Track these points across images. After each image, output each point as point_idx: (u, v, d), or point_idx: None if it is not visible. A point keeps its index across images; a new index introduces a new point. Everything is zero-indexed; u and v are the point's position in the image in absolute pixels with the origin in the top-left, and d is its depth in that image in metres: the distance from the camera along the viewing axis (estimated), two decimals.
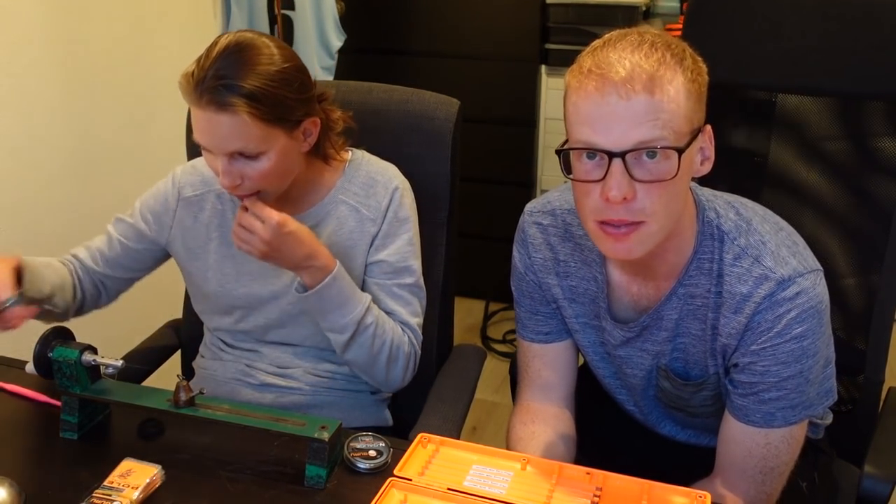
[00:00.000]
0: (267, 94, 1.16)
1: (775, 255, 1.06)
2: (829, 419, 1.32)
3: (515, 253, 1.28)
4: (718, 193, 1.15)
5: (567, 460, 1.22)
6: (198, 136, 1.20)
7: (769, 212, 1.15)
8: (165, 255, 1.44)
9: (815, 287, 1.05)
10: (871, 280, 1.41)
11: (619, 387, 1.28)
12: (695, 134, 1.00)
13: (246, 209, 1.22)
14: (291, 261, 1.24)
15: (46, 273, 1.31)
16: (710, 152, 1.05)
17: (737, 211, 1.11)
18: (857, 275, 1.44)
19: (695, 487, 1.13)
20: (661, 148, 0.95)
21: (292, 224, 1.22)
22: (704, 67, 1.01)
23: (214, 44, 1.19)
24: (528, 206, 1.27)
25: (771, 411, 1.08)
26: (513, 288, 1.30)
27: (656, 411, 1.28)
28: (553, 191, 1.27)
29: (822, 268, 1.09)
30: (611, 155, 0.96)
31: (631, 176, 0.96)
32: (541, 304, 1.27)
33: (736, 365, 1.10)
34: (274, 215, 1.20)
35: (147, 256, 1.42)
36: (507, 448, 1.25)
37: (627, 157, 0.95)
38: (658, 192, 0.97)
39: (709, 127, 1.03)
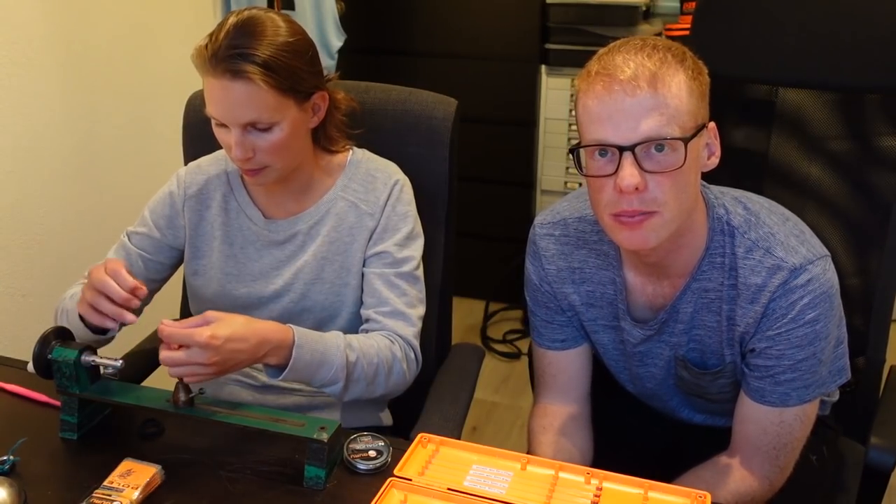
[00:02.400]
0: (280, 62, 1.18)
1: (785, 246, 1.11)
2: (836, 396, 1.37)
3: (529, 265, 1.30)
4: (725, 190, 1.19)
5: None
6: (212, 108, 1.21)
7: (774, 203, 1.19)
8: (182, 257, 1.43)
9: (826, 273, 1.10)
10: (871, 264, 1.46)
11: (638, 380, 1.31)
12: (699, 129, 1.04)
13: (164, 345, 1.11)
14: (249, 359, 1.13)
15: None
16: (716, 147, 1.10)
17: (744, 206, 1.15)
18: (857, 260, 1.47)
19: (710, 463, 1.19)
20: (667, 140, 0.99)
21: (222, 329, 1.09)
22: (705, 69, 1.06)
23: (224, 21, 1.21)
24: (538, 219, 1.29)
25: (786, 391, 1.13)
26: (527, 298, 1.33)
27: (676, 398, 1.31)
28: (560, 201, 1.30)
29: (829, 253, 1.13)
30: (621, 149, 1.00)
31: (641, 167, 1.00)
32: (556, 313, 1.30)
33: (752, 350, 1.15)
34: (196, 335, 1.07)
35: (169, 265, 1.42)
36: (529, 450, 1.29)
37: (637, 149, 1.00)
38: (668, 182, 1.02)
39: (713, 124, 1.08)
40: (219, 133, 1.25)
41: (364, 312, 1.34)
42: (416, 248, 1.37)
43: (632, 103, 0.99)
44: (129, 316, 1.15)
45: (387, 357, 1.29)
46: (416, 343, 1.34)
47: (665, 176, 1.01)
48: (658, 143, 1.00)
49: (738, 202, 1.16)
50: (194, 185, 1.40)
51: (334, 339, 1.24)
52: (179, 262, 1.44)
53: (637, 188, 1.00)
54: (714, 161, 1.09)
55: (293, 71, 1.21)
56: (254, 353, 1.14)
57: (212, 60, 1.17)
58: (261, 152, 1.23)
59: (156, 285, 1.43)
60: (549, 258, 1.27)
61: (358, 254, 1.35)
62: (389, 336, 1.31)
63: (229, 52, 1.16)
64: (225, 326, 1.10)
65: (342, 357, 1.23)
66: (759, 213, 1.14)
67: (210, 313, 1.12)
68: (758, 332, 1.12)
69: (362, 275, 1.36)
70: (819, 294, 1.09)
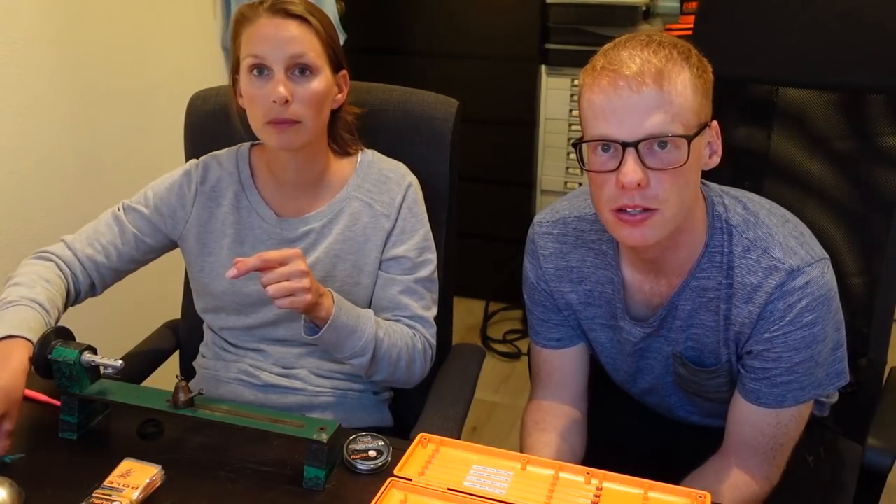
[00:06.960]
0: (322, 21, 1.28)
1: (783, 247, 1.10)
2: (835, 398, 1.38)
3: (527, 264, 1.30)
4: (725, 189, 1.19)
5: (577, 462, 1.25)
6: (259, 47, 1.24)
7: (775, 204, 1.19)
8: (172, 248, 1.43)
9: (824, 276, 1.10)
10: (873, 265, 1.45)
11: (636, 377, 1.31)
12: (702, 127, 1.04)
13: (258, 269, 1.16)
14: (317, 290, 1.20)
15: (55, 314, 1.26)
16: (718, 146, 1.10)
17: (744, 205, 1.15)
18: (859, 260, 1.47)
19: (709, 469, 1.19)
20: (671, 137, 1.00)
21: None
22: (710, 66, 1.07)
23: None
24: (537, 218, 1.30)
25: (782, 393, 1.14)
26: (525, 296, 1.33)
27: (675, 396, 1.31)
28: (560, 200, 1.30)
29: (828, 256, 1.13)
30: (625, 145, 1.00)
31: (644, 164, 1.01)
32: (553, 311, 1.30)
33: (749, 352, 1.15)
34: (288, 250, 1.17)
35: (157, 249, 1.41)
36: (521, 445, 1.31)
37: (640, 146, 1.00)
38: (670, 179, 1.02)
39: (716, 123, 1.09)
40: (255, 85, 1.25)
41: (382, 315, 1.36)
42: (433, 251, 1.40)
43: (637, 100, 1.00)
44: None
45: (409, 346, 1.33)
46: (434, 343, 1.38)
47: (667, 173, 1.01)
48: (661, 140, 1.00)
49: (738, 201, 1.16)
50: (209, 181, 1.40)
51: (367, 312, 1.30)
52: (167, 250, 1.43)
53: (639, 184, 1.00)
54: (715, 160, 1.10)
55: (330, 33, 1.29)
56: (318, 287, 1.21)
57: (264, 4, 1.25)
58: (298, 101, 1.25)
59: (137, 266, 1.42)
60: (546, 257, 1.27)
61: (373, 254, 1.36)
62: (413, 329, 1.36)
63: (282, 3, 1.25)
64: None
65: (373, 329, 1.28)
66: (758, 213, 1.14)
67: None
68: (755, 335, 1.12)
69: (376, 276, 1.37)
70: (817, 297, 1.09)
